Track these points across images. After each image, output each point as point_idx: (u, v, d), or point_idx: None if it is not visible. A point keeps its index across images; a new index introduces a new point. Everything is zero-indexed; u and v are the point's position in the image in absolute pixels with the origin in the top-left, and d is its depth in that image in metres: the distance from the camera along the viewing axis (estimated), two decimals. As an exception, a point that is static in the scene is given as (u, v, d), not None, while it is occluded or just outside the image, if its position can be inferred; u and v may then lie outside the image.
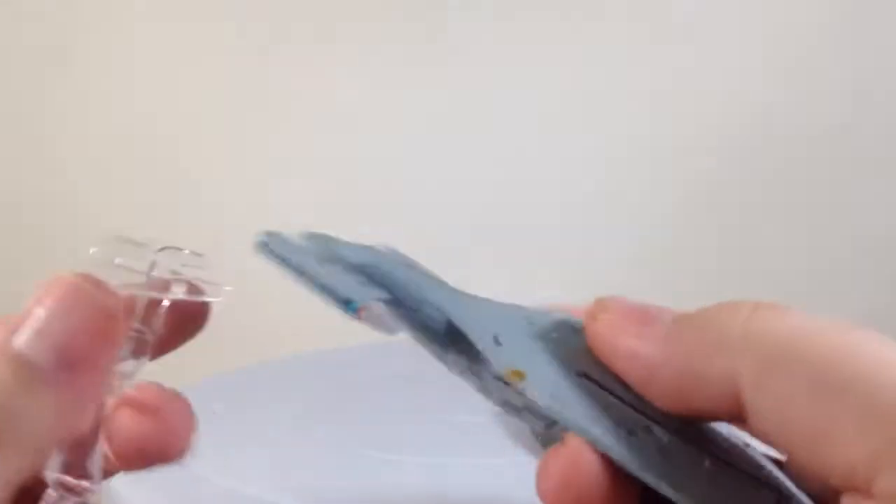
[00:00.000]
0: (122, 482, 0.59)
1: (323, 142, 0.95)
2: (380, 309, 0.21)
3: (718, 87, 0.92)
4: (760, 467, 0.20)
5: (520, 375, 0.20)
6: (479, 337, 0.21)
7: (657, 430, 0.19)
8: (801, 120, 0.92)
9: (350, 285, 0.22)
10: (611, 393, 0.20)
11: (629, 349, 0.19)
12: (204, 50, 0.94)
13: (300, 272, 0.22)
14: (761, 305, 0.19)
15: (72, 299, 0.19)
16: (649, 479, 0.18)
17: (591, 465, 0.18)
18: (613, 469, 0.18)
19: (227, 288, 0.21)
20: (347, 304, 0.21)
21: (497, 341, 0.21)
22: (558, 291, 0.96)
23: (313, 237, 0.23)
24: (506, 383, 0.20)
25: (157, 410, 0.23)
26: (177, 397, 0.22)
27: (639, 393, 0.20)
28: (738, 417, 0.18)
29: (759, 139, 0.93)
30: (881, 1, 0.90)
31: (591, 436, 0.19)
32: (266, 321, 0.94)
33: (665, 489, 0.18)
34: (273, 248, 0.22)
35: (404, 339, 0.84)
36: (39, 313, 0.19)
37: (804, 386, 0.17)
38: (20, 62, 0.93)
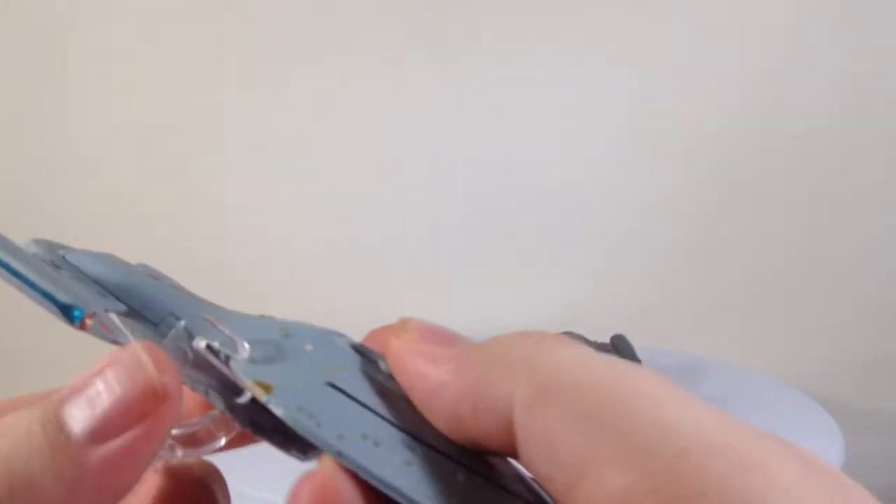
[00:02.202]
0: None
1: (323, 142, 0.95)
2: (113, 319, 0.19)
3: (718, 87, 0.92)
4: (521, 479, 0.20)
5: (265, 388, 0.19)
6: (232, 356, 0.19)
7: (405, 450, 0.19)
8: (802, 120, 0.92)
9: (77, 293, 0.19)
10: (367, 408, 0.19)
11: (419, 369, 0.19)
12: (205, 50, 0.94)
13: (15, 273, 0.19)
14: (547, 336, 0.19)
15: (125, 373, 0.18)
16: (394, 491, 0.18)
17: (343, 486, 0.17)
18: (368, 490, 0.18)
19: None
20: (69, 311, 0.18)
21: (250, 359, 0.19)
22: (558, 292, 0.96)
23: (44, 244, 0.21)
24: (251, 399, 0.19)
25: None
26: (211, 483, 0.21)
27: (421, 414, 0.19)
28: (509, 447, 0.18)
29: (759, 139, 0.93)
30: (881, 1, 0.90)
31: (337, 451, 0.18)
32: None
33: (405, 500, 0.18)
34: None
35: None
36: (91, 380, 0.18)
37: (571, 415, 0.17)
38: (20, 62, 0.93)
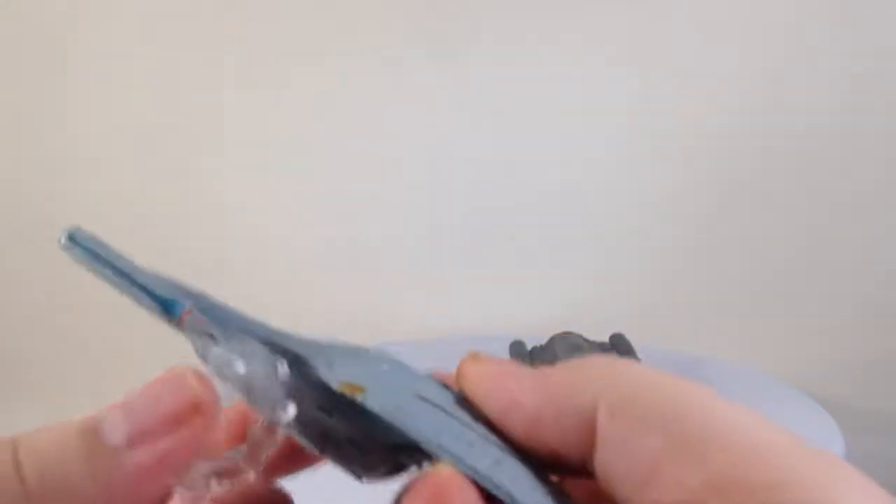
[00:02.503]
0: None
1: (323, 142, 0.95)
2: (203, 320, 0.20)
3: (718, 87, 0.92)
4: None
5: (358, 389, 0.20)
6: (313, 359, 0.20)
7: (495, 450, 0.20)
8: (802, 120, 0.92)
9: (173, 291, 0.20)
10: (453, 416, 0.20)
11: (500, 382, 0.21)
12: (205, 50, 0.94)
13: (113, 267, 0.20)
14: (618, 359, 0.21)
15: (169, 387, 0.19)
16: (489, 482, 0.19)
17: (463, 486, 0.19)
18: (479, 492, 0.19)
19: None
20: (169, 306, 0.19)
21: (329, 365, 0.20)
22: (558, 292, 0.96)
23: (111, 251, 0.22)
24: (343, 399, 0.20)
25: None
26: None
27: (498, 424, 0.21)
28: (584, 452, 0.20)
29: (759, 139, 0.93)
30: (881, 1, 0.90)
31: (438, 444, 0.19)
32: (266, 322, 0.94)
33: (501, 491, 0.19)
34: (83, 243, 0.20)
35: (403, 341, 0.84)
36: (135, 392, 0.19)
37: (654, 418, 0.19)
38: (20, 62, 0.93)
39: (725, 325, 0.95)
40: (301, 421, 0.19)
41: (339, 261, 0.96)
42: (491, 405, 0.21)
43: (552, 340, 0.71)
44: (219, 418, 0.19)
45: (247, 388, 0.19)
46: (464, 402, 0.21)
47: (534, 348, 0.71)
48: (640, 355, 0.67)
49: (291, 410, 0.19)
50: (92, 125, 0.94)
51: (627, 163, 0.94)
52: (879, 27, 0.91)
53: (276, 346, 0.20)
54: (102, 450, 0.18)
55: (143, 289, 0.19)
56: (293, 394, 0.19)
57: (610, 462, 0.19)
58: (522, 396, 0.21)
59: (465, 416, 0.21)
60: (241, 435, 0.21)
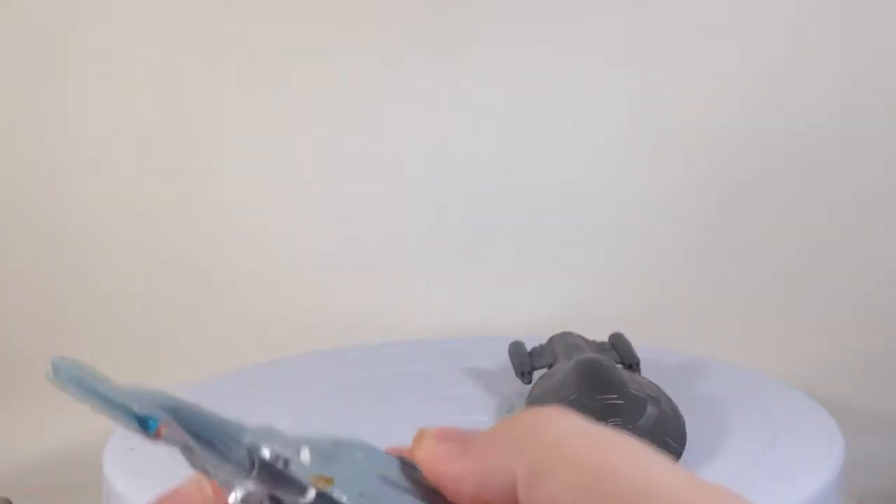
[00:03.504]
0: (124, 485, 0.59)
1: (323, 142, 0.95)
2: (180, 433, 0.22)
3: (718, 87, 0.92)
4: None
5: (328, 481, 0.21)
6: (295, 457, 0.22)
7: None
8: (802, 120, 0.92)
9: (147, 406, 0.22)
10: (414, 498, 0.22)
11: (441, 469, 0.22)
12: (205, 50, 0.94)
13: (93, 393, 0.22)
14: (543, 412, 0.21)
15: (185, 495, 0.21)
16: None
17: None
18: None
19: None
20: (145, 421, 0.21)
21: (305, 463, 0.22)
22: (558, 292, 0.96)
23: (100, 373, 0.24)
24: (313, 495, 0.21)
25: None
26: None
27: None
28: None
29: (759, 139, 0.93)
30: (881, 1, 0.90)
31: None
32: (266, 322, 0.94)
33: None
34: (64, 372, 0.23)
35: (403, 341, 0.84)
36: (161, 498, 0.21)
37: (566, 487, 0.19)
38: (20, 62, 0.93)
39: (725, 325, 0.95)
40: None
41: (339, 261, 0.96)
42: (445, 492, 0.22)
43: (552, 340, 0.71)
44: None
45: (245, 498, 0.22)
46: (425, 479, 0.23)
47: (533, 348, 0.71)
48: (640, 355, 0.67)
49: None
50: (92, 125, 0.94)
51: (627, 163, 0.94)
52: (879, 27, 0.91)
53: (251, 447, 0.22)
54: None
55: (120, 407, 0.21)
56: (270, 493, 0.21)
57: None
58: (460, 480, 0.21)
59: (427, 496, 0.22)
60: None
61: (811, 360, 0.93)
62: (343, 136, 0.95)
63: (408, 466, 0.23)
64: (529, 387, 0.66)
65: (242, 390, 0.74)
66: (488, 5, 0.93)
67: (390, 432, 0.69)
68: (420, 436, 0.23)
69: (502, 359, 0.71)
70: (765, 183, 0.93)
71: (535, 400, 0.63)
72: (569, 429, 0.20)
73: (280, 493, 0.21)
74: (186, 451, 0.22)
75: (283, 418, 0.68)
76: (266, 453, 0.21)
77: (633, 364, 0.67)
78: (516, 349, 0.71)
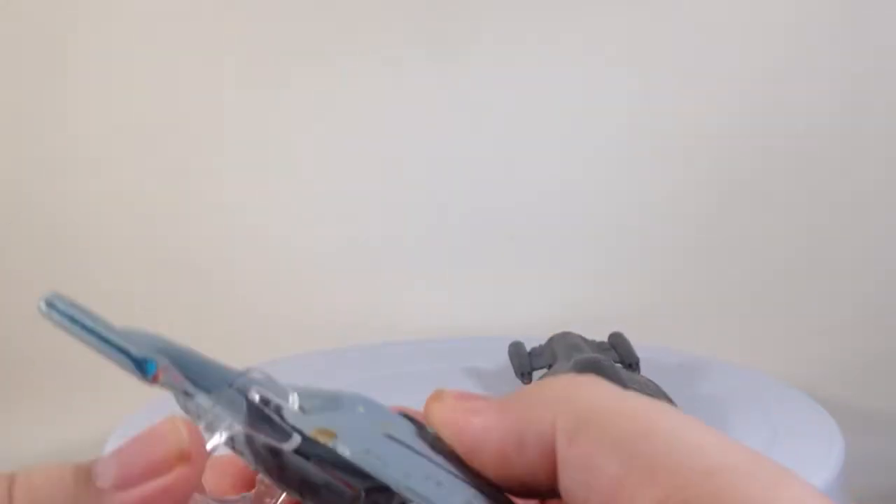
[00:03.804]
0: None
1: (323, 142, 0.95)
2: (178, 377, 0.21)
3: (718, 87, 0.92)
4: None
5: (329, 434, 0.20)
6: (285, 406, 0.21)
7: (465, 488, 0.21)
8: (802, 120, 0.92)
9: (146, 349, 0.21)
10: (423, 456, 0.21)
11: (464, 419, 0.22)
12: (205, 50, 0.94)
13: (89, 329, 0.21)
14: (578, 377, 0.22)
15: (158, 435, 0.21)
16: None
17: None
18: None
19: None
20: (144, 364, 0.21)
21: (303, 410, 0.21)
22: (558, 292, 0.96)
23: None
24: (312, 446, 0.20)
25: None
26: None
27: (468, 465, 0.21)
28: (552, 480, 0.20)
29: (759, 139, 0.93)
30: (881, 1, 0.90)
31: (406, 486, 0.20)
32: (266, 322, 0.94)
33: None
34: (59, 308, 0.22)
35: (403, 341, 0.84)
36: (128, 439, 0.21)
37: (608, 441, 0.19)
38: (20, 62, 0.93)
39: (725, 325, 0.95)
40: (281, 467, 0.21)
41: (339, 261, 0.96)
42: (457, 444, 0.21)
43: (551, 340, 0.71)
44: (203, 467, 0.20)
45: (230, 441, 0.21)
46: (436, 440, 0.22)
47: (533, 348, 0.71)
48: (639, 355, 0.67)
49: (266, 461, 0.21)
50: (92, 125, 0.94)
51: (627, 163, 0.94)
52: (879, 27, 0.91)
53: (241, 388, 0.21)
54: (92, 491, 0.19)
55: (118, 349, 0.21)
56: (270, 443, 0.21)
57: (571, 487, 0.19)
58: (484, 432, 0.21)
59: (435, 456, 0.21)
60: (250, 482, 0.22)
61: (811, 360, 0.93)
62: (343, 136, 0.95)
63: (416, 427, 0.22)
64: (529, 387, 0.66)
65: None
66: (488, 5, 0.93)
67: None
68: (438, 393, 0.23)
69: (502, 359, 0.71)
70: (765, 183, 0.93)
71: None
72: (609, 390, 0.21)
73: (269, 439, 0.21)
74: (181, 395, 0.21)
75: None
76: (256, 396, 0.21)
77: (632, 364, 0.67)
78: (516, 349, 0.71)
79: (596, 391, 0.21)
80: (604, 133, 0.94)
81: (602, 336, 0.71)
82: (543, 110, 0.94)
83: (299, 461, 0.20)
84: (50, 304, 0.21)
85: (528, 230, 0.95)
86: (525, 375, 0.68)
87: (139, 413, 0.65)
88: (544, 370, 0.67)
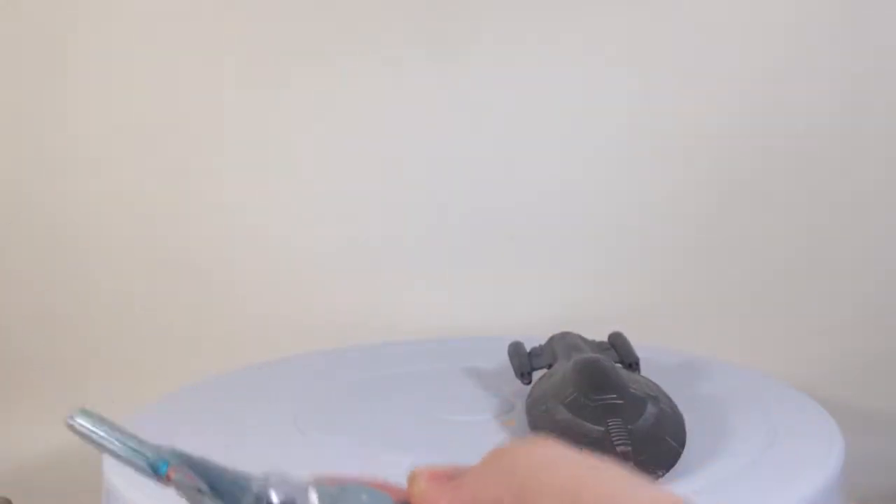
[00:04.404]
0: (122, 482, 0.59)
1: (323, 142, 0.95)
2: (190, 475, 0.23)
3: (718, 87, 0.92)
4: None
5: None
6: (301, 497, 0.23)
7: None
8: (802, 120, 0.92)
9: (157, 452, 0.24)
10: None
11: None
12: (205, 50, 0.94)
13: (108, 440, 0.24)
14: (527, 442, 0.23)
15: None
16: None
17: None
18: None
19: None
20: (157, 465, 0.23)
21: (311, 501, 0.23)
22: (558, 292, 0.96)
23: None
24: None
25: None
26: None
27: None
28: None
29: (759, 139, 0.93)
30: (881, 1, 0.90)
31: None
32: (266, 322, 0.94)
33: None
34: (83, 423, 0.24)
35: (403, 341, 0.83)
36: None
37: None
38: (20, 62, 0.93)
39: (725, 325, 0.95)
40: None
41: (339, 261, 0.96)
42: None
43: (551, 340, 0.71)
44: None
45: None
46: None
47: (533, 349, 0.71)
48: (640, 355, 0.67)
49: None
50: (92, 125, 0.94)
51: (627, 163, 0.94)
52: (879, 27, 0.91)
53: (260, 493, 0.23)
54: None
55: (135, 452, 0.23)
56: None
57: None
58: None
59: None
60: None
61: (811, 360, 0.93)
62: (343, 136, 0.95)
63: None
64: (529, 387, 0.66)
65: (242, 390, 0.74)
66: (488, 5, 0.93)
67: (389, 432, 0.69)
68: (413, 477, 0.24)
69: (502, 359, 0.71)
70: (765, 183, 0.93)
71: (534, 400, 0.63)
72: (550, 457, 0.21)
73: None
74: (195, 496, 0.23)
75: (283, 418, 0.68)
76: (275, 497, 0.22)
77: (632, 363, 0.67)
78: (516, 349, 0.71)
79: (536, 461, 0.21)
80: (604, 133, 0.94)
81: (602, 336, 0.71)
82: (543, 110, 0.94)
83: None
84: (74, 420, 0.24)
85: (528, 230, 0.95)
86: (525, 375, 0.68)
87: (139, 413, 0.65)
88: (544, 370, 0.67)
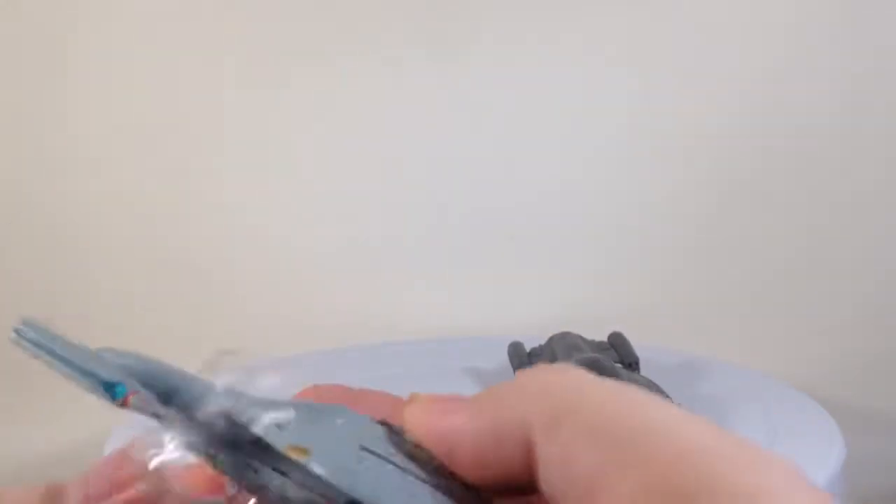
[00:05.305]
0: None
1: (323, 142, 0.95)
2: (150, 400, 0.21)
3: (718, 87, 0.92)
4: None
5: (302, 451, 0.20)
6: (260, 424, 0.21)
7: (440, 497, 0.21)
8: (802, 120, 0.92)
9: (116, 373, 0.21)
10: (399, 468, 0.21)
11: (438, 421, 0.21)
12: (205, 50, 0.94)
13: (58, 356, 0.21)
14: (551, 369, 0.21)
15: (123, 458, 0.21)
16: None
17: None
18: None
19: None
20: (112, 388, 0.20)
21: (278, 426, 0.21)
22: (558, 292, 0.96)
23: (72, 339, 0.23)
24: (288, 463, 0.20)
25: None
26: None
27: (447, 469, 0.21)
28: (531, 474, 0.20)
29: (759, 139, 0.93)
30: (881, 1, 0.90)
31: (376, 502, 0.20)
32: (266, 322, 0.94)
33: None
34: (29, 336, 0.22)
35: (403, 341, 0.84)
36: (95, 463, 0.21)
37: (584, 433, 0.19)
38: (20, 62, 0.93)
39: (725, 325, 0.95)
40: (258, 485, 0.20)
41: (339, 261, 0.96)
42: (434, 446, 0.21)
43: (551, 340, 0.71)
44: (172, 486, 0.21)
45: (208, 458, 0.21)
46: (415, 447, 0.21)
47: (533, 349, 0.71)
48: (640, 355, 0.67)
49: (248, 477, 0.21)
50: (92, 125, 0.94)
51: (627, 163, 0.94)
52: (879, 27, 0.91)
53: (228, 416, 0.21)
54: None
55: (86, 373, 0.20)
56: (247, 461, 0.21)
57: (551, 481, 0.19)
58: (460, 432, 0.21)
59: (412, 465, 0.21)
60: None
61: (811, 360, 0.93)
62: (343, 136, 0.95)
63: (394, 434, 0.22)
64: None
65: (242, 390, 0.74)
66: (488, 5, 0.93)
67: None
68: (412, 396, 0.23)
69: (502, 359, 0.71)
70: (765, 183, 0.93)
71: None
72: (584, 381, 0.20)
73: (244, 457, 0.21)
74: (154, 414, 0.21)
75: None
76: (230, 413, 0.21)
77: (632, 363, 0.67)
78: (516, 350, 0.71)
79: (570, 382, 0.20)
80: (604, 133, 0.94)
81: (602, 336, 0.71)
82: (543, 110, 0.94)
83: (275, 477, 0.20)
84: (19, 332, 0.22)
85: (528, 230, 0.95)
86: (525, 375, 0.68)
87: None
88: (544, 370, 0.67)
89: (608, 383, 0.20)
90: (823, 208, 0.94)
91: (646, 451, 0.18)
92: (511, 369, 0.69)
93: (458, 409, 0.21)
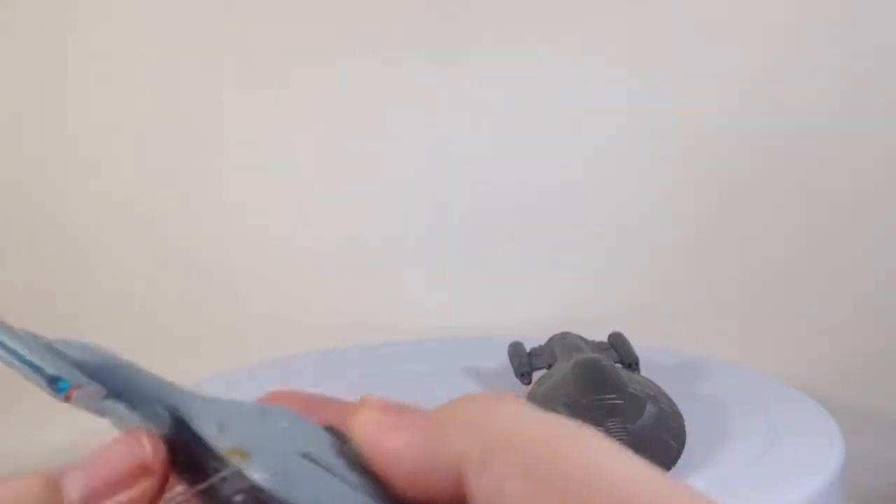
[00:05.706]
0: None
1: (323, 142, 0.95)
2: (94, 391, 0.21)
3: (718, 87, 0.92)
4: None
5: (243, 454, 0.20)
6: (203, 424, 0.21)
7: None
8: (802, 120, 0.92)
9: (61, 367, 0.21)
10: (338, 477, 0.21)
11: (379, 438, 0.21)
12: (205, 50, 0.94)
13: (7, 349, 0.21)
14: (490, 396, 0.22)
15: (122, 448, 0.21)
16: None
17: None
18: None
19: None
20: (56, 382, 0.20)
21: (220, 428, 0.21)
22: (558, 292, 0.96)
23: (22, 331, 0.23)
24: (229, 468, 0.20)
25: None
26: None
27: (388, 482, 0.21)
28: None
29: (759, 139, 0.93)
30: (881, 1, 0.90)
31: None
32: (266, 322, 0.94)
33: None
34: None
35: (403, 341, 0.83)
36: (95, 451, 0.21)
37: (516, 470, 0.19)
38: (20, 62, 0.93)
39: (725, 325, 0.95)
40: (204, 490, 0.20)
41: (339, 261, 0.96)
42: (374, 461, 0.21)
43: (551, 340, 0.71)
44: (166, 477, 0.21)
45: None
46: (357, 455, 0.22)
47: (533, 349, 0.71)
48: (640, 355, 0.67)
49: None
50: (92, 125, 0.94)
51: (627, 163, 0.94)
52: (879, 27, 0.91)
53: (172, 413, 0.21)
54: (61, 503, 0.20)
55: (31, 367, 0.20)
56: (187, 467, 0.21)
57: None
58: (398, 454, 0.21)
59: (352, 475, 0.21)
60: None
61: (811, 360, 0.93)
62: (343, 136, 0.95)
63: (339, 441, 0.22)
64: (529, 387, 0.66)
65: (242, 390, 0.74)
66: (488, 5, 0.93)
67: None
68: (362, 403, 0.23)
69: (502, 359, 0.71)
70: (765, 183, 0.93)
71: (535, 401, 0.63)
72: (521, 415, 0.20)
73: (189, 456, 0.21)
74: (97, 410, 0.21)
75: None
76: (176, 412, 0.21)
77: (632, 363, 0.67)
78: (516, 350, 0.71)
79: (505, 415, 0.20)
80: (604, 133, 0.94)
81: (602, 336, 0.71)
82: (543, 110, 0.94)
83: (219, 481, 0.20)
84: None
85: (528, 230, 0.95)
86: (525, 375, 0.68)
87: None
88: (544, 370, 0.67)
89: (548, 418, 0.20)
90: (823, 208, 0.94)
91: (578, 492, 0.18)
92: (511, 369, 0.69)
93: (402, 428, 0.21)
